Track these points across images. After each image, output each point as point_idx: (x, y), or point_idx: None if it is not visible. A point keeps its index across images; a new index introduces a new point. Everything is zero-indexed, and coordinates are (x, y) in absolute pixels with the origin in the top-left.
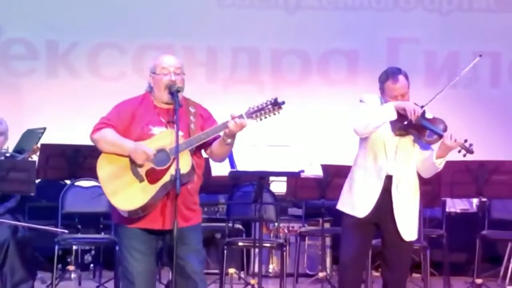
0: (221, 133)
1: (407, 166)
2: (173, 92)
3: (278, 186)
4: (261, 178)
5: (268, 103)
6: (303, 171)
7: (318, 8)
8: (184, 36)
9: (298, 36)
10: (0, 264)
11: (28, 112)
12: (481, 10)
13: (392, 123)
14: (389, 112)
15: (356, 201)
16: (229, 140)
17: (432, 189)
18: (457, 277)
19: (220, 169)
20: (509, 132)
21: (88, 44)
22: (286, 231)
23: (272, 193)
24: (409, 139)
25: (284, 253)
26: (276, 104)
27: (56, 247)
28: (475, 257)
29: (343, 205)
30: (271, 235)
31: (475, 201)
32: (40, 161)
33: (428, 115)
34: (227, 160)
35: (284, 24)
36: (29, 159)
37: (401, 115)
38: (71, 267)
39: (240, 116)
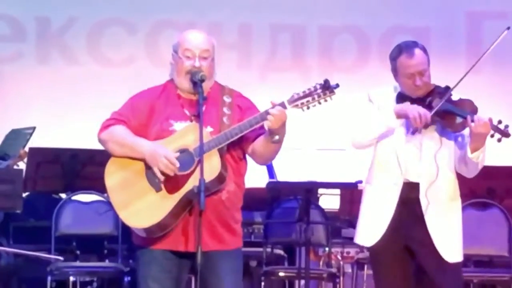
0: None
1: (436, 167)
2: (196, 81)
3: (330, 201)
4: (308, 191)
5: (318, 86)
6: (361, 181)
7: None
8: (210, 11)
9: (353, 11)
10: None
11: (13, 108)
12: None
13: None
14: (388, 121)
15: (363, 227)
16: (276, 137)
17: None
18: None
19: (255, 179)
20: None
21: (88, 21)
22: (339, 257)
23: (321, 210)
24: (434, 132)
25: (338, 285)
26: (327, 88)
27: (49, 278)
28: None
29: (355, 236)
30: (321, 262)
31: None
32: (28, 170)
33: (455, 98)
34: (264, 168)
35: None
36: (15, 166)
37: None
38: None
39: (282, 104)
